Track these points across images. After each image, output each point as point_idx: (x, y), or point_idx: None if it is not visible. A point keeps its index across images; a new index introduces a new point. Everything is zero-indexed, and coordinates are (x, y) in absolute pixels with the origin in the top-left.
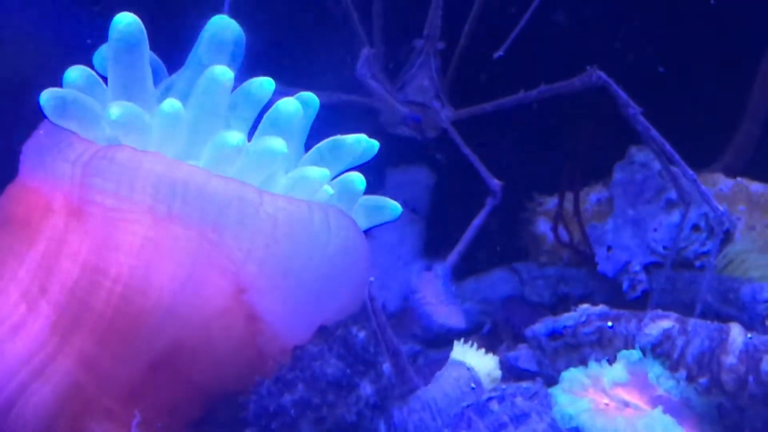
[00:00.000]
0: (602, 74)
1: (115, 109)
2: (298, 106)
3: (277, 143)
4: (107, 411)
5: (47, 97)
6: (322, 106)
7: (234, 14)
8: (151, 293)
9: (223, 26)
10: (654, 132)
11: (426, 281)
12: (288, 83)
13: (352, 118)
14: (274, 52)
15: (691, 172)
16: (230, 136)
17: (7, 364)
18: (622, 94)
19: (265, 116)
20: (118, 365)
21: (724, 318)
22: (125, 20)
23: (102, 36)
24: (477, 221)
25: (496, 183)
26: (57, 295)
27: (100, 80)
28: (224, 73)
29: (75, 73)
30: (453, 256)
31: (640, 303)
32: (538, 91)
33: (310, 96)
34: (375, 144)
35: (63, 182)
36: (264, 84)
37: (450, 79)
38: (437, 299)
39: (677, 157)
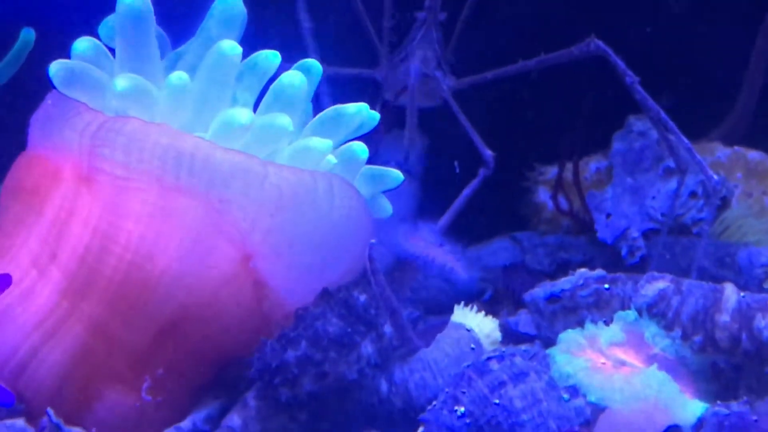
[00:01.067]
0: (600, 43)
1: (121, 81)
2: (302, 79)
3: (284, 120)
4: (118, 375)
5: (57, 68)
6: (323, 79)
7: None
8: (160, 259)
9: (233, 3)
10: (651, 101)
11: (416, 237)
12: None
13: (353, 89)
14: (276, 27)
15: (686, 140)
16: (239, 114)
17: (19, 327)
18: (620, 63)
19: (270, 88)
20: (127, 330)
21: (720, 282)
22: None
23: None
24: (467, 191)
25: (488, 154)
26: (67, 261)
27: (108, 52)
28: (233, 47)
29: (83, 44)
30: (442, 222)
31: (639, 268)
32: (537, 60)
33: (312, 63)
34: (376, 115)
35: (71, 151)
36: (270, 57)
37: (452, 48)
38: (432, 247)
39: (672, 125)
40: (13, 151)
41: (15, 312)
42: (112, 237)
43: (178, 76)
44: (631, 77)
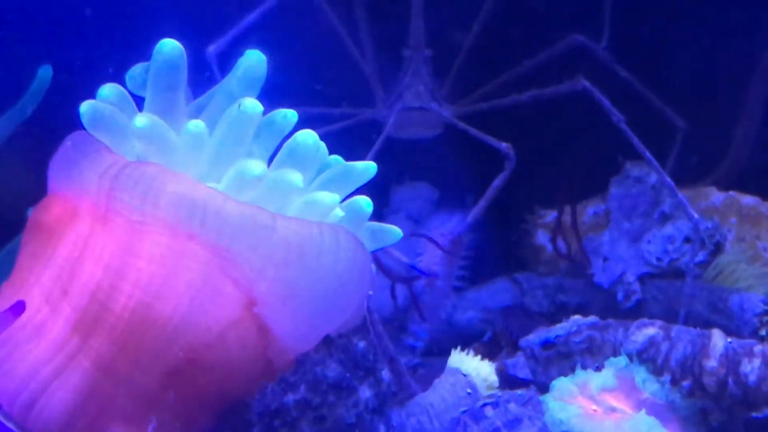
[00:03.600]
0: (586, 82)
1: (141, 119)
2: (315, 138)
3: (295, 177)
4: (124, 414)
5: (87, 108)
6: (327, 120)
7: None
8: (169, 298)
9: (257, 62)
10: (636, 140)
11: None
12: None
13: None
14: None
15: (670, 181)
16: (253, 166)
17: (29, 363)
18: (606, 102)
19: (284, 145)
20: (135, 368)
21: (713, 327)
22: (169, 45)
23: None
24: (496, 182)
25: (505, 145)
26: (78, 297)
27: (131, 100)
28: (255, 107)
29: (108, 90)
30: (471, 217)
31: (635, 312)
32: (528, 95)
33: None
34: (375, 167)
35: (90, 192)
36: (288, 115)
37: (451, 81)
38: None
39: (656, 164)
40: (34, 188)
41: (26, 348)
42: (122, 275)
43: (196, 124)
44: (616, 116)
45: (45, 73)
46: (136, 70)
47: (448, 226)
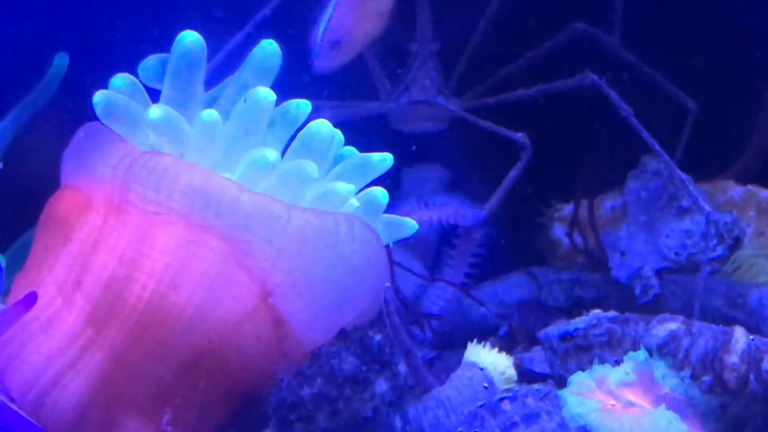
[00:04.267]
0: (594, 76)
1: (155, 111)
2: (329, 128)
3: (310, 167)
4: (139, 406)
5: (100, 98)
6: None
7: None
8: (183, 288)
9: (271, 52)
10: (645, 134)
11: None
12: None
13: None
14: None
15: (680, 174)
16: (267, 153)
17: (42, 355)
18: (614, 96)
19: (298, 135)
20: (149, 361)
21: (731, 322)
22: (190, 38)
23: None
24: (513, 173)
25: (520, 135)
26: (92, 288)
27: (143, 89)
28: (268, 95)
29: (121, 80)
30: (488, 206)
31: (652, 307)
32: (535, 89)
33: (337, 132)
34: (391, 158)
35: (104, 183)
36: (301, 105)
37: (458, 74)
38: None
39: (666, 157)
40: (48, 177)
41: (39, 339)
42: (137, 265)
43: (209, 113)
44: (625, 110)
45: (61, 60)
46: (150, 61)
47: (462, 208)
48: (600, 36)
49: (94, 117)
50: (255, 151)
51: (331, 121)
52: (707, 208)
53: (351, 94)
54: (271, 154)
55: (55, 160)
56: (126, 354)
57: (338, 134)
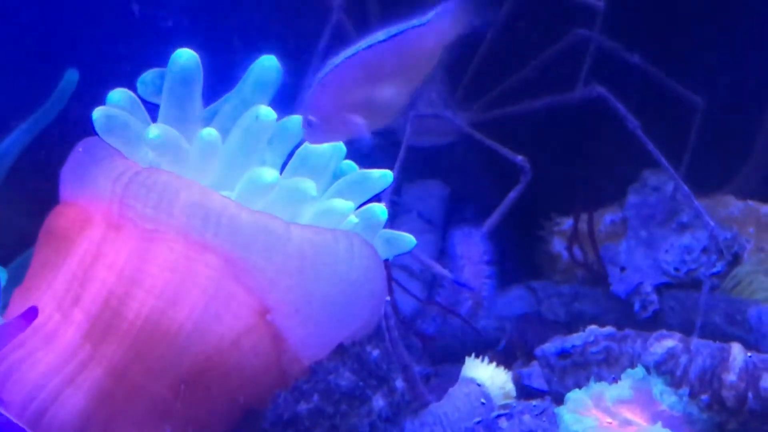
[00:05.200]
0: (602, 89)
1: (154, 130)
2: (328, 144)
3: (308, 185)
4: (138, 422)
5: (99, 114)
6: None
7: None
8: (183, 304)
9: (270, 67)
10: (652, 147)
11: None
12: None
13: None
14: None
15: (686, 188)
16: (265, 173)
17: (41, 370)
18: (621, 108)
19: (296, 152)
20: (148, 377)
21: (730, 339)
22: (185, 56)
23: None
24: (512, 194)
25: (521, 158)
26: (90, 303)
27: (141, 104)
28: (269, 114)
29: (118, 95)
30: (487, 226)
31: (651, 323)
32: (542, 102)
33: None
34: (391, 175)
35: (103, 199)
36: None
37: (464, 87)
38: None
39: (672, 171)
40: (49, 196)
41: (37, 355)
42: (136, 281)
43: (209, 132)
44: (632, 122)
45: (71, 76)
46: (148, 76)
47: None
48: (603, 40)
49: (93, 132)
50: (253, 170)
51: None
52: (712, 224)
53: None
54: (270, 174)
55: (54, 177)
56: (125, 370)
57: (341, 148)
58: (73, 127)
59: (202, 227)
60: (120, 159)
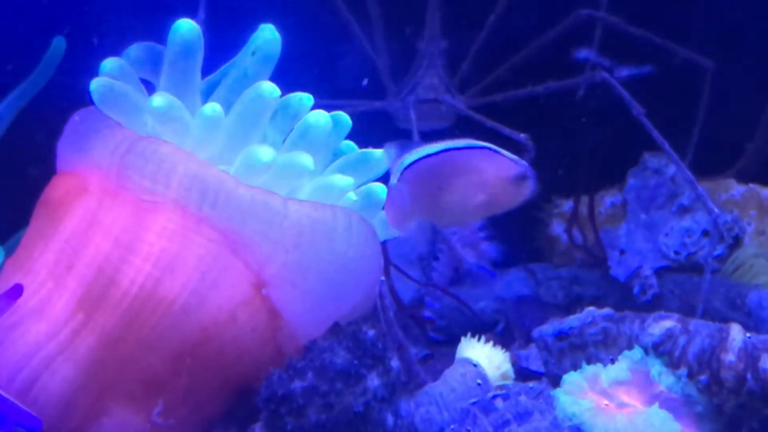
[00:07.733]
0: (606, 75)
1: (158, 99)
2: (327, 119)
3: (305, 159)
4: (130, 394)
5: (97, 84)
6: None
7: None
8: (180, 273)
9: (271, 39)
10: (655, 133)
11: None
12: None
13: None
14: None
15: (689, 173)
16: (262, 152)
17: (32, 339)
18: (626, 95)
19: (296, 127)
20: (142, 347)
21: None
22: (186, 26)
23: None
24: None
25: (523, 136)
26: (85, 271)
27: (135, 74)
28: (272, 90)
29: (112, 64)
30: None
31: (651, 306)
32: (545, 87)
33: (342, 115)
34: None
35: (101, 167)
36: (303, 99)
37: (465, 73)
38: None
39: (676, 157)
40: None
41: (28, 323)
42: (133, 248)
43: (212, 107)
44: (636, 108)
45: (58, 43)
46: (133, 50)
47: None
48: (606, 17)
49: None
50: (251, 148)
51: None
52: (716, 210)
53: (357, 92)
54: (266, 154)
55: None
56: (118, 340)
57: (344, 118)
58: (63, 98)
59: (200, 200)
60: (118, 128)
